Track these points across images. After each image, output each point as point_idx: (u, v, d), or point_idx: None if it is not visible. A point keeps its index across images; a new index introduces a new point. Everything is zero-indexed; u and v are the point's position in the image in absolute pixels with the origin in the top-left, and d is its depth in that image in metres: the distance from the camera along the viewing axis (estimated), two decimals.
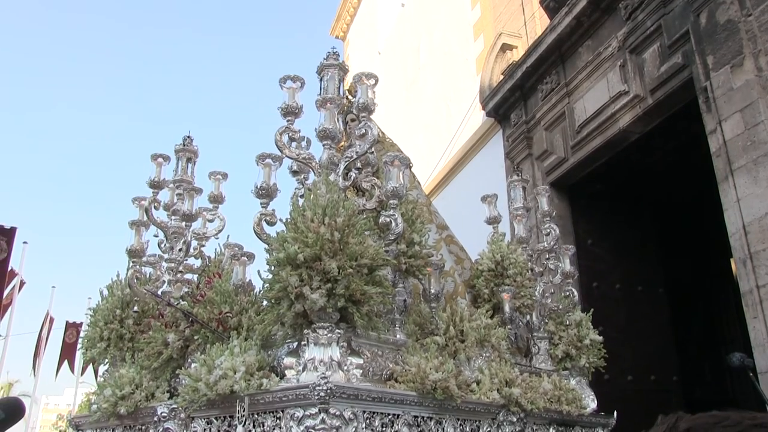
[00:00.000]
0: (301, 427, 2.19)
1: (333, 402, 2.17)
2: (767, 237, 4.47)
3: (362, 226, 2.42)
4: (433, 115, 10.33)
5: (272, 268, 2.39)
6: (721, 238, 5.10)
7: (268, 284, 2.38)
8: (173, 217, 3.09)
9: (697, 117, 5.25)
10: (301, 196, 2.77)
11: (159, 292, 2.92)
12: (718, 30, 5.10)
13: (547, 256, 3.53)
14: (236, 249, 2.98)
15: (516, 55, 7.93)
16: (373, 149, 2.85)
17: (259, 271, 2.48)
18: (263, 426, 2.34)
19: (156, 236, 3.13)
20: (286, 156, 2.71)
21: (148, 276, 3.18)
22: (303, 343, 2.35)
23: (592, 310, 3.62)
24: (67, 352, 13.27)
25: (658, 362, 6.50)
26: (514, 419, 2.76)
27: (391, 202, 2.65)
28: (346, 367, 2.33)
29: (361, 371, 2.40)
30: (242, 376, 2.35)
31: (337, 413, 2.19)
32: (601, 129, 6.46)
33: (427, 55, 11.10)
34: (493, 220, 3.53)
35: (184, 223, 3.06)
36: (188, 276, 3.12)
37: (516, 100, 7.71)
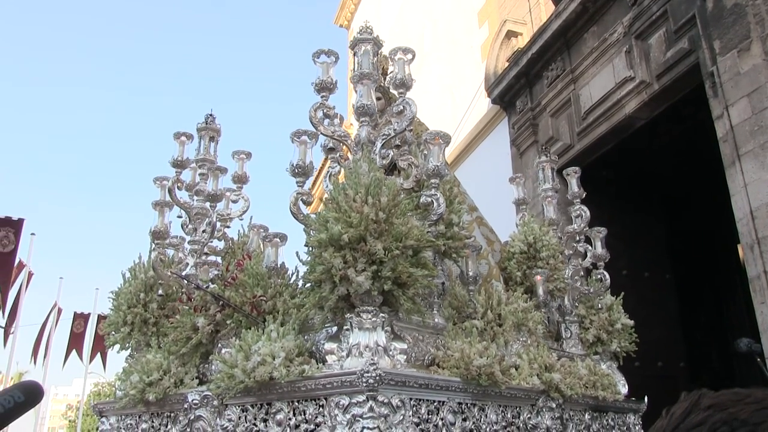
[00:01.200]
0: (347, 416, 2.09)
1: (381, 389, 2.07)
2: None
3: (406, 207, 2.32)
4: (438, 102, 10.18)
5: (312, 249, 2.28)
6: (729, 223, 5.09)
7: (309, 266, 2.27)
8: (196, 198, 2.96)
9: (704, 102, 5.21)
10: (335, 174, 2.65)
11: (183, 275, 2.79)
12: (725, 14, 5.05)
13: (577, 238, 3.45)
14: (262, 230, 2.86)
15: (521, 41, 7.84)
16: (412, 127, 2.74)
17: (297, 253, 2.37)
18: (304, 414, 2.24)
19: (180, 217, 3.00)
20: (321, 133, 2.59)
21: (170, 258, 3.06)
22: (345, 327, 2.25)
23: (622, 293, 3.56)
24: (75, 342, 13.23)
25: (664, 348, 6.48)
26: (554, 405, 2.69)
27: (432, 181, 2.54)
28: (391, 353, 2.23)
29: (404, 357, 2.31)
30: (282, 362, 2.24)
31: (385, 401, 2.09)
32: (607, 115, 6.42)
33: (431, 42, 10.92)
34: (521, 202, 3.44)
35: (208, 204, 2.93)
36: (212, 258, 2.99)
37: (521, 87, 7.63)
